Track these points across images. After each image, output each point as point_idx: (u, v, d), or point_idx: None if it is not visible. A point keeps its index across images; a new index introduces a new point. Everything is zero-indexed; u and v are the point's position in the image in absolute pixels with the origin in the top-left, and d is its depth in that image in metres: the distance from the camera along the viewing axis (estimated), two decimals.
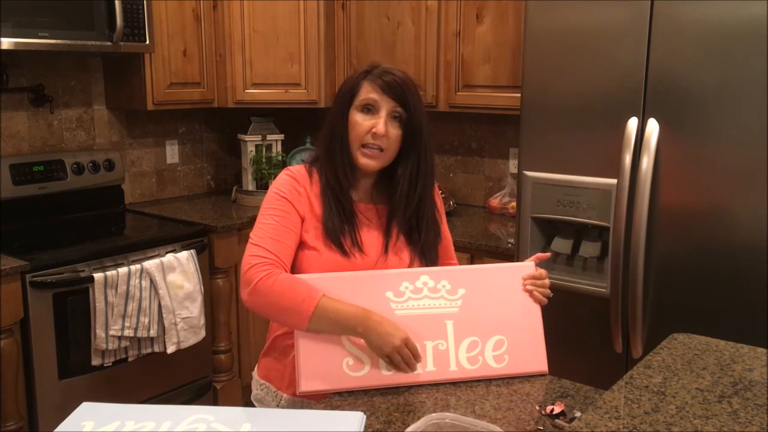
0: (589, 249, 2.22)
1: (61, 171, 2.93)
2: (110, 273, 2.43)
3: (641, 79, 2.04)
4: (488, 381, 1.43)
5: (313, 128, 3.65)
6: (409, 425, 1.17)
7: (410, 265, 1.54)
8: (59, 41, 2.57)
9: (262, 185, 3.42)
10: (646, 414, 0.97)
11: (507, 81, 2.84)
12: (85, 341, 2.45)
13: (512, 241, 2.62)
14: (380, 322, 1.37)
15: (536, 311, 1.50)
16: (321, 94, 3.37)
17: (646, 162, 2.02)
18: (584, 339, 2.24)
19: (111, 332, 2.44)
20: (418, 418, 1.19)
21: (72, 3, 2.59)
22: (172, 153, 3.51)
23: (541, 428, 1.23)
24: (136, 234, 2.89)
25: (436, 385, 1.41)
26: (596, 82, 2.13)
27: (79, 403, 1.27)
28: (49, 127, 3.02)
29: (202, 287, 2.72)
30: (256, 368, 1.66)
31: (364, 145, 1.50)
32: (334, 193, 1.52)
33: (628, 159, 2.05)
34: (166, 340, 2.59)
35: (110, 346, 2.46)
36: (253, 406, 1.59)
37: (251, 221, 2.96)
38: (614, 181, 2.09)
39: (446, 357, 1.43)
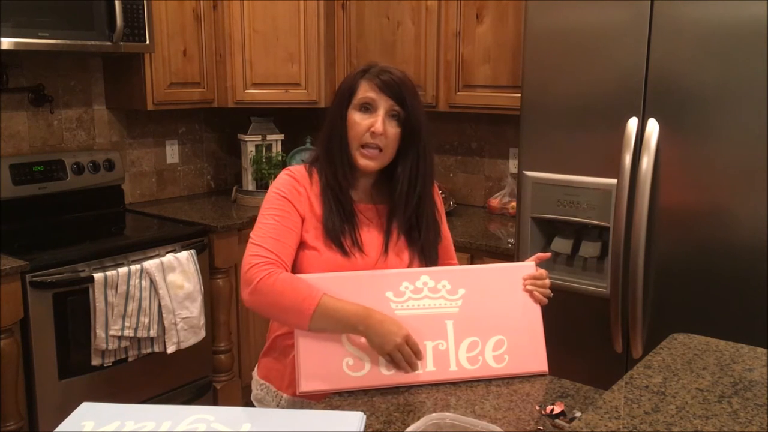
0: (589, 249, 2.22)
1: (61, 171, 2.93)
2: (110, 273, 2.43)
3: (641, 79, 2.04)
4: (488, 381, 1.43)
5: (313, 128, 3.65)
6: (409, 425, 1.17)
7: (410, 265, 1.54)
8: (59, 41, 2.57)
9: (262, 185, 3.42)
10: (646, 414, 0.97)
11: (507, 81, 2.85)
12: (85, 341, 2.45)
13: (512, 241, 2.62)
14: (381, 321, 1.38)
15: (536, 311, 1.50)
16: (321, 94, 3.37)
17: (646, 162, 2.02)
18: (584, 339, 2.24)
19: (111, 332, 2.45)
20: (418, 418, 1.19)
21: (72, 3, 2.59)
22: (172, 153, 3.51)
23: (541, 428, 1.23)
24: (136, 234, 2.89)
25: (436, 385, 1.41)
26: (596, 82, 2.13)
27: (79, 403, 1.27)
28: (49, 127, 3.02)
29: (202, 287, 2.72)
30: (256, 368, 1.66)
31: (363, 146, 1.50)
32: (334, 193, 1.53)
33: (628, 159, 2.05)
34: (166, 340, 2.59)
35: (110, 346, 2.46)
36: (253, 406, 1.59)
37: (251, 221, 2.96)
38: (614, 181, 2.09)
39: (446, 357, 1.43)
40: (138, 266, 2.51)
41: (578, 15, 2.13)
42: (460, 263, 1.79)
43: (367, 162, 1.50)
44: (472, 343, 1.45)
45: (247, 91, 3.30)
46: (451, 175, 3.45)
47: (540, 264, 1.56)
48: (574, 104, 2.17)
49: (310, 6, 3.27)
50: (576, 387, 1.39)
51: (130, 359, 2.57)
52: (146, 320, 2.52)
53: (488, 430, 1.15)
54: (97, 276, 2.41)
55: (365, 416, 1.24)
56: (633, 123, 2.05)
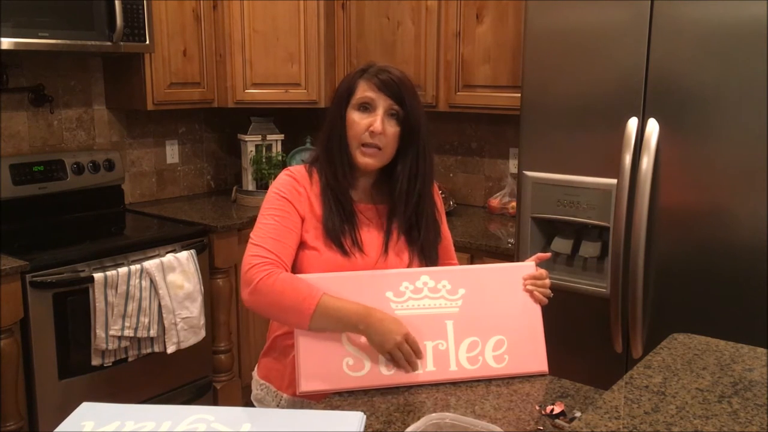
0: (589, 249, 2.22)
1: (61, 171, 2.93)
2: (110, 273, 2.43)
3: (641, 79, 2.04)
4: (488, 381, 1.43)
5: (313, 128, 3.65)
6: (409, 425, 1.17)
7: (410, 265, 1.55)
8: (59, 41, 2.57)
9: (262, 185, 3.42)
10: (646, 414, 0.97)
11: (507, 81, 2.85)
12: (85, 341, 2.45)
13: (512, 241, 2.62)
14: (381, 319, 1.38)
15: (536, 311, 1.50)
16: (321, 94, 3.37)
17: (646, 162, 2.02)
18: (584, 339, 2.24)
19: (111, 332, 2.45)
20: (418, 418, 1.19)
21: (72, 3, 2.59)
22: (172, 153, 3.51)
23: (541, 428, 1.23)
24: (136, 234, 2.89)
25: (436, 385, 1.41)
26: (596, 82, 2.13)
27: (79, 403, 1.27)
28: (49, 127, 3.02)
29: (202, 287, 2.72)
30: (256, 368, 1.66)
31: (362, 144, 1.50)
32: (334, 193, 1.53)
33: (628, 159, 2.05)
34: (166, 340, 2.59)
35: (110, 346, 2.46)
36: (253, 406, 1.59)
37: (251, 221, 2.96)
38: (614, 181, 2.09)
39: (446, 357, 1.43)
40: (138, 266, 2.51)
41: (578, 15, 2.13)
42: (460, 263, 1.79)
43: (366, 160, 1.50)
44: (472, 343, 1.45)
45: (247, 91, 3.30)
46: (451, 175, 3.45)
47: (540, 264, 1.56)
48: (574, 104, 2.17)
49: (310, 6, 3.27)
50: (576, 387, 1.39)
51: (130, 359, 2.57)
52: (146, 320, 2.52)
53: (488, 430, 1.15)
54: (97, 276, 2.41)
55: (365, 416, 1.24)
56: (633, 123, 2.05)
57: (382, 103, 1.49)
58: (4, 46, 2.43)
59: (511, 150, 3.21)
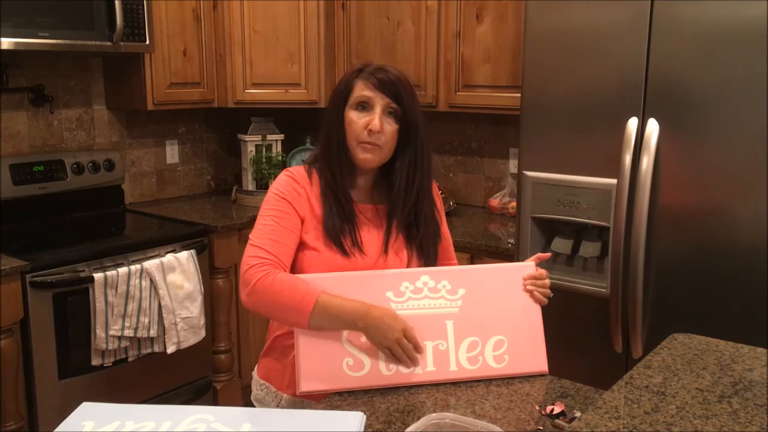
0: (589, 249, 2.22)
1: (61, 171, 2.93)
2: (110, 273, 2.44)
3: (641, 79, 2.04)
4: (488, 381, 1.43)
5: (313, 128, 3.64)
6: (409, 425, 1.17)
7: (409, 262, 1.55)
8: (59, 41, 2.57)
9: (262, 185, 3.42)
10: (646, 414, 0.97)
11: (507, 81, 2.85)
12: (85, 341, 2.45)
13: (512, 241, 2.62)
14: (380, 316, 1.37)
15: (536, 311, 1.50)
16: (321, 94, 3.37)
17: (646, 162, 2.02)
18: (584, 339, 2.24)
19: (111, 332, 2.44)
20: (418, 418, 1.19)
21: (72, 3, 2.59)
22: (172, 153, 3.51)
23: (541, 428, 1.23)
24: (136, 234, 2.89)
25: (436, 385, 1.41)
26: (596, 82, 2.13)
27: (79, 403, 1.27)
28: (49, 127, 3.02)
29: (202, 287, 2.72)
30: (256, 368, 1.66)
31: (361, 142, 1.50)
32: (334, 194, 1.53)
33: (628, 159, 2.05)
34: (166, 340, 2.59)
35: (110, 346, 2.46)
36: (253, 406, 1.59)
37: (251, 221, 2.96)
38: (614, 181, 2.09)
39: (446, 357, 1.43)
40: (138, 266, 2.51)
41: (578, 15, 2.13)
42: (460, 263, 1.79)
43: (366, 155, 1.50)
44: (472, 343, 1.45)
45: (247, 91, 3.30)
46: (451, 175, 3.45)
47: (540, 264, 1.56)
48: (574, 104, 2.17)
49: (310, 6, 3.27)
50: (576, 387, 1.39)
51: (130, 359, 2.57)
52: (146, 320, 2.52)
53: (488, 430, 1.15)
54: (97, 276, 2.41)
55: (365, 416, 1.24)
56: (633, 123, 2.05)
57: (379, 101, 1.49)
58: (4, 46, 2.43)
59: (511, 150, 3.21)
